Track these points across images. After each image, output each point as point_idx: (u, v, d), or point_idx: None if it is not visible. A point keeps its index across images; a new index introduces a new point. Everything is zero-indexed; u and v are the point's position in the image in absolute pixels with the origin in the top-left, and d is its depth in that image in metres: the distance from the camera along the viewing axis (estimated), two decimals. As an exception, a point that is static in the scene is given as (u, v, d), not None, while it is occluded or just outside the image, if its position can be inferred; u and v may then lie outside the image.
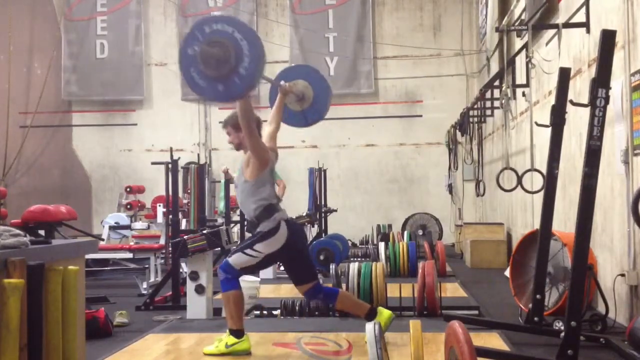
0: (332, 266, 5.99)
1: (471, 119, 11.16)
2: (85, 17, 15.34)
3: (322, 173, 12.64)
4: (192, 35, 3.78)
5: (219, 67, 3.67)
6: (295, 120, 5.12)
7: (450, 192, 14.10)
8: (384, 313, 4.49)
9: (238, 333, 4.34)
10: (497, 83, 9.15)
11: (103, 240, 10.32)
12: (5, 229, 2.42)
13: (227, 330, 4.38)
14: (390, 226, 12.61)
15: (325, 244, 8.80)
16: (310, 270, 4.56)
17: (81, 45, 15.34)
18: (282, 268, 9.08)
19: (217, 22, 3.77)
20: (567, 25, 6.55)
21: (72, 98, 15.44)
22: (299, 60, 14.71)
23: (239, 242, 9.94)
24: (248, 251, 4.35)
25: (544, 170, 5.09)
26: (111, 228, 10.92)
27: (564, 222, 6.65)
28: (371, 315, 4.42)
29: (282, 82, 4.77)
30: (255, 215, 4.36)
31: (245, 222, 4.48)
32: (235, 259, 4.38)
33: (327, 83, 5.18)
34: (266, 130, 4.70)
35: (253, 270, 4.56)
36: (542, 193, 5.16)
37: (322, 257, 8.37)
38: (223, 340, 4.35)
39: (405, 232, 11.13)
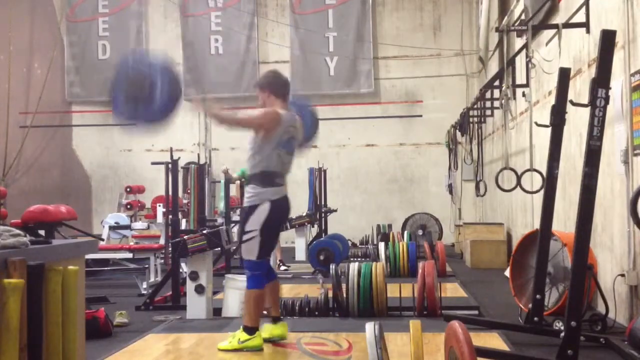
0: (332, 266, 5.98)
1: (471, 119, 11.17)
2: (87, 19, 15.35)
3: (322, 173, 12.64)
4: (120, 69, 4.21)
5: (139, 91, 3.96)
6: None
7: (450, 192, 14.10)
8: (257, 341, 4.38)
9: (251, 330, 4.40)
10: (497, 83, 9.14)
11: (103, 240, 10.31)
12: (5, 229, 2.41)
13: (241, 327, 4.44)
14: (390, 226, 12.61)
15: (325, 244, 8.80)
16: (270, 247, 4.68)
17: (83, 46, 15.36)
18: (282, 268, 9.12)
19: (137, 56, 4.21)
20: (567, 25, 6.55)
21: (75, 99, 15.44)
22: (299, 60, 14.71)
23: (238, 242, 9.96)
24: (245, 237, 4.46)
25: (544, 170, 5.08)
26: (111, 228, 10.92)
27: (564, 222, 6.65)
28: (249, 331, 4.38)
29: None
30: (249, 174, 4.56)
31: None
32: (244, 252, 4.52)
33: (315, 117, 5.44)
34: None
35: (267, 251, 4.57)
36: (542, 193, 5.16)
37: (322, 257, 8.37)
38: (236, 335, 4.40)
39: (405, 232, 11.12)
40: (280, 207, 4.54)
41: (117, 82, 3.94)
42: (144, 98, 3.81)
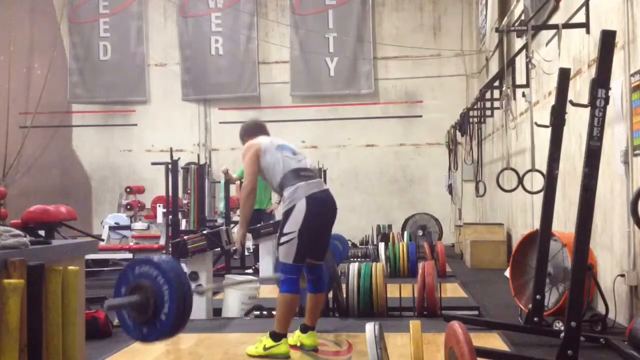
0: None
1: (471, 119, 11.16)
2: (88, 20, 15.36)
3: (322, 173, 12.64)
4: (124, 275, 3.77)
5: (141, 313, 3.63)
6: None
7: (450, 192, 14.10)
8: (282, 348, 4.27)
9: (278, 337, 4.27)
10: (497, 83, 9.14)
11: (103, 240, 10.32)
12: (5, 230, 2.42)
13: (268, 332, 4.32)
14: (390, 226, 12.61)
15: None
16: (323, 249, 4.53)
17: (85, 47, 15.37)
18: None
19: (144, 264, 3.74)
20: (567, 25, 6.54)
21: (77, 100, 15.45)
22: (299, 60, 14.72)
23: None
24: (282, 239, 4.29)
25: (544, 171, 5.08)
26: (111, 228, 10.92)
27: (564, 223, 6.65)
28: (275, 337, 4.28)
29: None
30: (279, 190, 4.48)
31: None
32: (281, 255, 4.32)
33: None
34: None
35: (305, 254, 4.34)
36: (542, 193, 5.16)
37: (322, 258, 8.36)
38: (262, 341, 4.28)
39: (405, 233, 11.13)
40: (319, 201, 4.33)
41: (121, 301, 3.51)
42: (150, 320, 3.46)
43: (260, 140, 4.59)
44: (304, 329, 4.48)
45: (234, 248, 5.41)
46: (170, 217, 7.25)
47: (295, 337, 4.51)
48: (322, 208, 4.39)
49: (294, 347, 4.48)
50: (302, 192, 4.29)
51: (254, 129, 4.83)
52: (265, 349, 4.24)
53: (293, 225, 4.25)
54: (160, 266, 3.55)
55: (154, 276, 3.49)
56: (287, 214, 4.29)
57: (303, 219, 4.24)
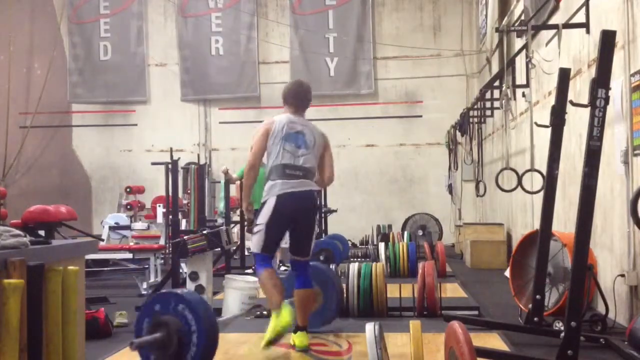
0: (332, 266, 5.98)
1: (471, 119, 11.16)
2: (89, 20, 15.36)
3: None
4: (149, 307, 3.58)
5: (162, 353, 3.42)
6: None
7: (450, 192, 14.09)
8: (282, 320, 4.33)
9: (272, 313, 4.39)
10: (497, 83, 9.14)
11: (103, 240, 10.31)
12: (5, 230, 2.42)
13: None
14: (390, 226, 12.60)
15: (325, 244, 8.79)
16: (301, 246, 4.62)
17: (86, 47, 15.38)
18: (282, 268, 9.13)
19: (179, 302, 3.48)
20: (567, 25, 6.54)
21: (77, 100, 15.46)
22: (299, 60, 14.71)
23: (238, 242, 9.95)
24: (254, 229, 4.55)
25: (544, 171, 5.08)
26: (111, 228, 10.92)
27: (564, 223, 6.65)
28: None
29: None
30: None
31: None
32: (252, 244, 4.59)
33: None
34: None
35: (271, 246, 4.56)
36: (542, 193, 5.16)
37: (322, 257, 8.36)
38: (269, 328, 4.36)
39: (405, 233, 11.13)
40: (289, 202, 4.47)
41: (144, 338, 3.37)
42: (173, 356, 3.38)
43: (277, 121, 4.67)
44: (295, 329, 4.52)
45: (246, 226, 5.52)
46: (170, 217, 7.24)
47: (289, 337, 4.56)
48: (291, 208, 4.52)
49: (290, 346, 4.49)
50: (276, 190, 4.50)
51: (288, 95, 4.81)
52: (272, 330, 4.31)
53: (262, 218, 4.50)
54: (196, 308, 3.38)
55: (188, 319, 3.36)
56: (261, 206, 4.56)
57: (270, 215, 4.47)
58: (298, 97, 4.79)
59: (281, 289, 4.45)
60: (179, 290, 3.65)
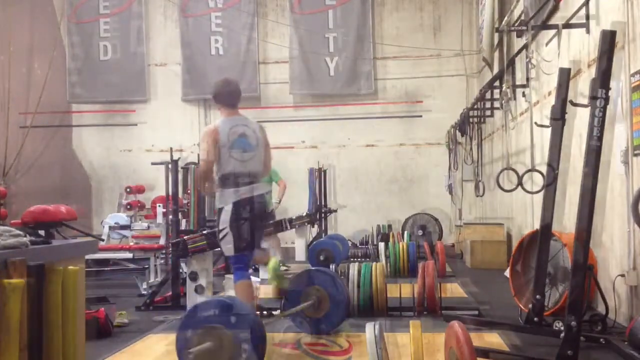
0: (332, 266, 5.98)
1: (471, 119, 11.16)
2: (89, 20, 15.35)
3: (322, 173, 12.64)
4: (192, 316, 3.64)
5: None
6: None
7: (450, 192, 14.09)
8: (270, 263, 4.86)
9: None
10: (497, 83, 9.14)
11: (103, 240, 10.31)
12: (5, 230, 2.42)
13: None
14: (390, 226, 12.61)
15: (325, 244, 8.79)
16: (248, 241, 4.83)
17: (86, 47, 15.36)
18: (282, 268, 9.11)
19: (226, 310, 3.60)
20: (567, 25, 6.54)
21: (77, 100, 15.45)
22: (299, 60, 14.70)
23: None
24: (220, 235, 4.78)
25: (544, 171, 5.08)
26: (111, 228, 10.92)
27: (564, 223, 6.65)
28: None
29: None
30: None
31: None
32: (224, 250, 4.82)
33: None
34: None
35: (242, 244, 4.77)
36: (542, 193, 5.16)
37: (322, 258, 8.36)
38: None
39: (405, 233, 11.13)
40: (244, 206, 4.77)
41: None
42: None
43: (220, 128, 4.87)
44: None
45: None
46: (171, 217, 7.25)
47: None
48: (247, 209, 4.81)
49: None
50: (231, 199, 4.77)
51: (222, 96, 5.10)
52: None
53: (224, 222, 4.76)
54: (246, 320, 3.39)
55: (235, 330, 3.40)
56: (218, 213, 4.81)
57: (230, 217, 4.74)
58: (234, 96, 5.11)
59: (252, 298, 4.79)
60: (224, 298, 3.67)
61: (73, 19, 15.41)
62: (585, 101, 3.92)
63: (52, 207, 6.69)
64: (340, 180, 14.45)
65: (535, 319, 4.82)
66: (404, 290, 5.73)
